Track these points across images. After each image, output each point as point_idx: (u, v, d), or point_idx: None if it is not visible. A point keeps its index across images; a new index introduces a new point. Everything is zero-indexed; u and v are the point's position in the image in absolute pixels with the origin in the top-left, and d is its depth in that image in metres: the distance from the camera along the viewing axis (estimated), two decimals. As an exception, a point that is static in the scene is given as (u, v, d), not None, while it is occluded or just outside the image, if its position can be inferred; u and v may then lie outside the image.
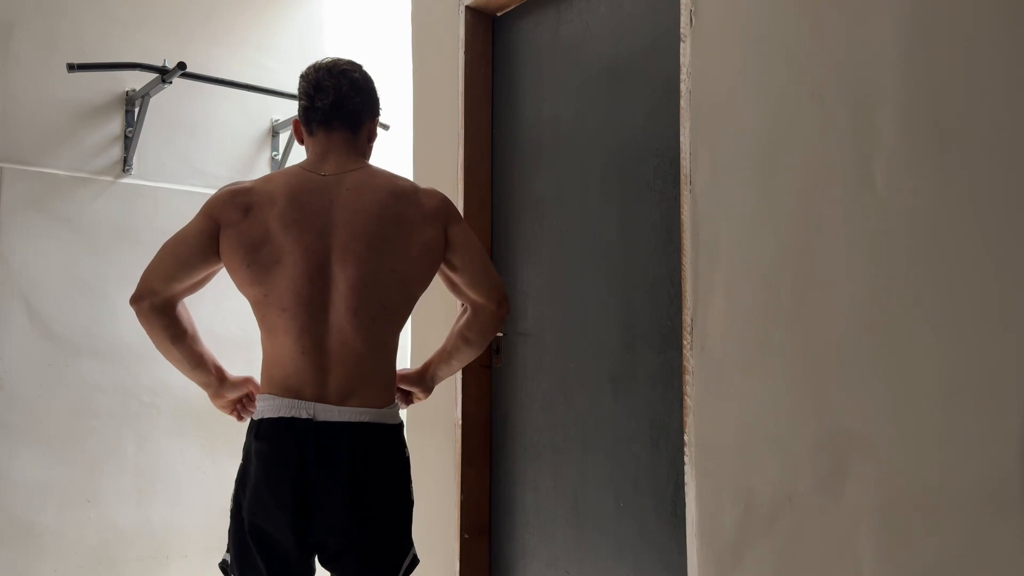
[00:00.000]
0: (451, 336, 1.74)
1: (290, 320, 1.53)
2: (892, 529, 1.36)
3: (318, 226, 1.55)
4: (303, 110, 1.66)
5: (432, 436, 2.45)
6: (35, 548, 2.75)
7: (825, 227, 1.48)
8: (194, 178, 3.14)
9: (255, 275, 1.54)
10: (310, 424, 1.50)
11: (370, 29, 3.64)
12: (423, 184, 1.73)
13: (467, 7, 2.41)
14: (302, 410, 1.51)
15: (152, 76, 2.83)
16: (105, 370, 2.91)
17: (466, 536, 2.34)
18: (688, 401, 1.69)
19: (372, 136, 1.72)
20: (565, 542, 2.11)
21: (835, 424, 1.45)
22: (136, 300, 1.55)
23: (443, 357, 1.75)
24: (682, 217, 1.72)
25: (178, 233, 1.60)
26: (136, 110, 2.98)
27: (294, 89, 1.76)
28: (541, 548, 2.18)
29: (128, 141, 2.99)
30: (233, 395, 1.68)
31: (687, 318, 1.70)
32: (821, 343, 1.48)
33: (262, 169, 3.31)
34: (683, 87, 1.73)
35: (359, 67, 1.68)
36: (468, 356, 1.74)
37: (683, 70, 1.73)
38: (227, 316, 2.76)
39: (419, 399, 1.78)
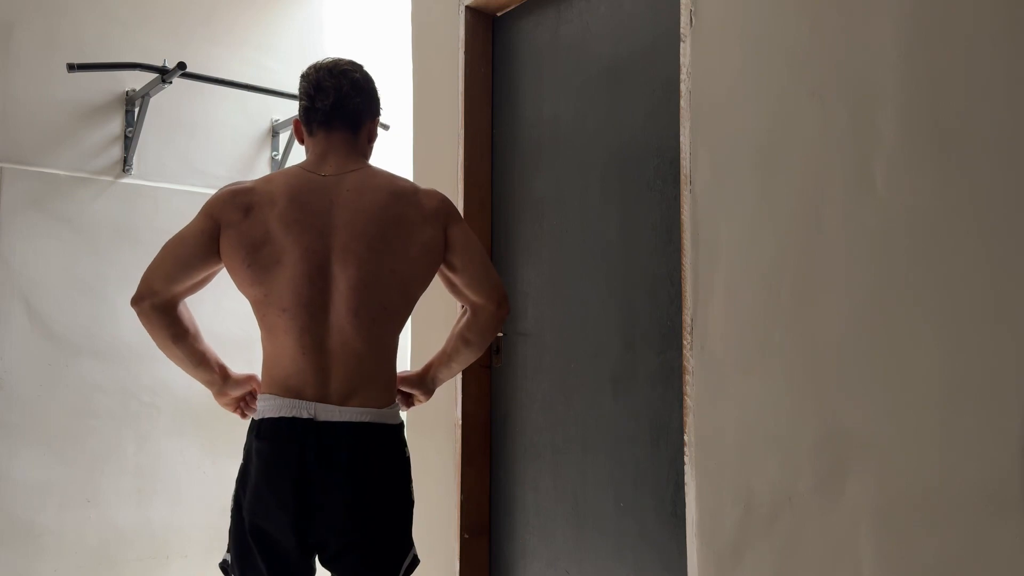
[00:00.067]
0: (451, 338, 1.74)
1: (290, 320, 1.53)
2: (892, 529, 1.36)
3: (318, 226, 1.55)
4: (303, 110, 1.66)
5: (432, 436, 2.45)
6: (35, 548, 2.75)
7: (825, 227, 1.48)
8: (194, 178, 3.14)
9: (255, 275, 1.54)
10: (311, 424, 1.50)
11: (370, 29, 3.64)
12: (423, 184, 1.73)
13: (467, 7, 2.41)
14: (303, 410, 1.51)
15: (152, 76, 2.83)
16: (105, 370, 2.91)
17: (466, 536, 2.34)
18: (688, 401, 1.69)
19: (372, 136, 1.72)
20: (565, 542, 2.11)
21: (835, 424, 1.45)
22: (137, 301, 1.56)
23: (443, 359, 1.74)
24: (682, 217, 1.72)
25: (178, 233, 1.60)
26: (136, 110, 2.98)
27: (294, 89, 1.76)
28: (541, 548, 2.18)
29: (128, 141, 2.99)
30: (237, 392, 1.68)
31: (687, 318, 1.70)
32: (821, 343, 1.48)
33: (262, 169, 3.31)
34: (683, 87, 1.73)
35: (360, 67, 1.68)
36: (468, 358, 1.74)
37: (683, 70, 1.73)
38: (227, 316, 2.76)
39: (420, 402, 1.78)
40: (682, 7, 1.75)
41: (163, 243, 1.60)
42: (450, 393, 2.37)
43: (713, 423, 1.65)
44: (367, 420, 1.53)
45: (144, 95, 2.91)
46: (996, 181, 1.27)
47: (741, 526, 1.58)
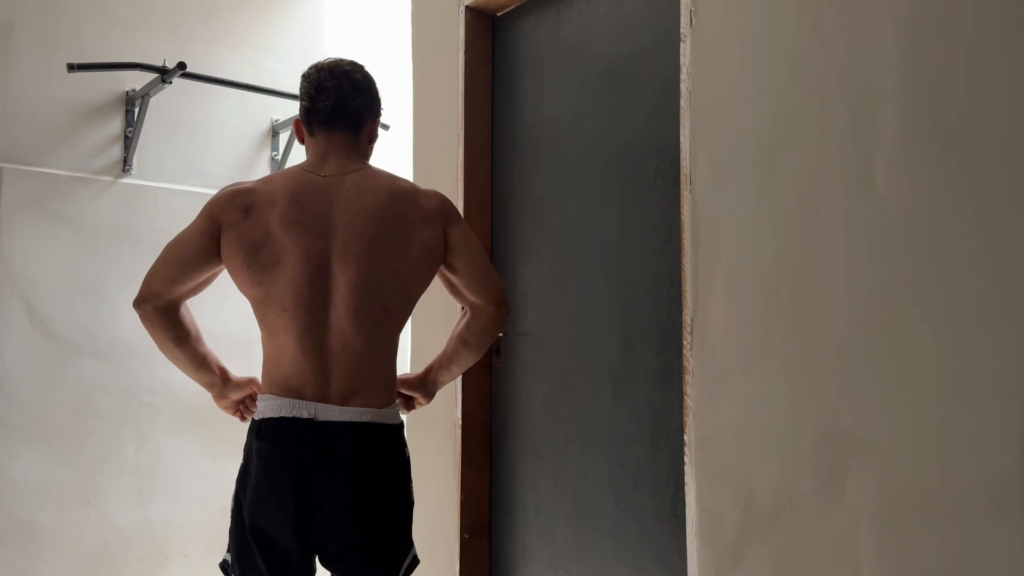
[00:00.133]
0: (451, 340, 1.73)
1: (290, 321, 1.53)
2: (892, 529, 1.36)
3: (318, 227, 1.55)
4: (304, 110, 1.66)
5: (432, 436, 2.45)
6: (35, 548, 2.75)
7: (825, 227, 1.48)
8: (194, 178, 3.14)
9: (255, 276, 1.54)
10: (311, 424, 1.50)
11: (370, 29, 3.64)
12: (423, 184, 1.73)
13: (467, 7, 2.41)
14: (303, 410, 1.51)
15: (152, 76, 2.83)
16: (105, 370, 2.91)
17: (466, 536, 2.34)
18: (688, 401, 1.69)
19: (373, 137, 1.72)
20: (565, 542, 2.11)
21: (835, 424, 1.45)
22: (139, 303, 1.56)
23: (443, 362, 1.74)
24: (682, 217, 1.72)
25: (179, 235, 1.60)
26: (136, 110, 2.98)
27: (294, 89, 1.76)
28: (541, 548, 2.18)
29: (128, 141, 2.99)
30: (236, 395, 1.69)
31: (687, 318, 1.70)
32: (821, 343, 1.48)
33: (262, 169, 3.31)
34: (683, 87, 1.73)
35: (361, 68, 1.68)
36: (468, 360, 1.74)
37: (683, 70, 1.74)
38: (228, 317, 2.76)
39: (420, 404, 1.78)
40: (682, 7, 1.75)
41: (163, 243, 1.60)
42: (450, 393, 2.37)
43: (713, 423, 1.65)
44: (367, 420, 1.54)
45: (144, 95, 2.91)
46: (996, 181, 1.27)
47: (741, 526, 1.58)
